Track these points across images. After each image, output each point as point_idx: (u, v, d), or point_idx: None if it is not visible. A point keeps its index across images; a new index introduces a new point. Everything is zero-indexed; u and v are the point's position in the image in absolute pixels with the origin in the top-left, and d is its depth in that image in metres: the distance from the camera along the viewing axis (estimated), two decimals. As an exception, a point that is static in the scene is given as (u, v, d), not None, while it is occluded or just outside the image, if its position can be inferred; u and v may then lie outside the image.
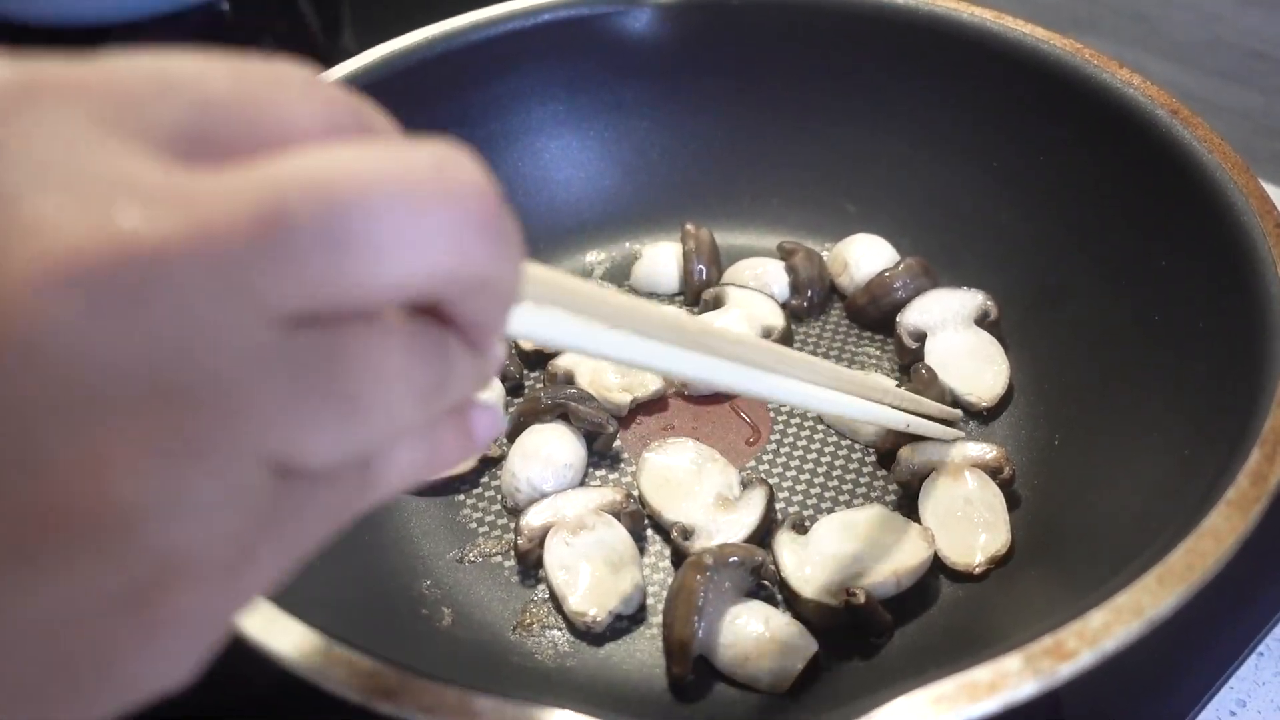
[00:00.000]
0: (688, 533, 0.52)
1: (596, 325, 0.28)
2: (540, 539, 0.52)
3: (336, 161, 0.18)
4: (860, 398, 0.45)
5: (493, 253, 0.20)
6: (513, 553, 0.53)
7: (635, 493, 0.55)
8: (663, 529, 0.54)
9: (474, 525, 0.55)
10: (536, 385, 0.63)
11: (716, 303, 0.65)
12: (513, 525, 0.55)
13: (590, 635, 0.50)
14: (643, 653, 0.49)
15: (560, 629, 0.50)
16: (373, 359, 0.19)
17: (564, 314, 0.26)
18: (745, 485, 0.55)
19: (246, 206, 0.17)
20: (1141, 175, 0.54)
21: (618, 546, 0.52)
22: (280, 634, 0.34)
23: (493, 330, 0.22)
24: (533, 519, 0.52)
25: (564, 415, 0.57)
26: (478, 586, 0.52)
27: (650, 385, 0.61)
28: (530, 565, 0.53)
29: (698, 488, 0.54)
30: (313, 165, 0.18)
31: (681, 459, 0.56)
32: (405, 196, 0.18)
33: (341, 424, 0.19)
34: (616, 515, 0.53)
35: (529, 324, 0.25)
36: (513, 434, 0.58)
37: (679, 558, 0.52)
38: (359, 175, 0.18)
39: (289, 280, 0.17)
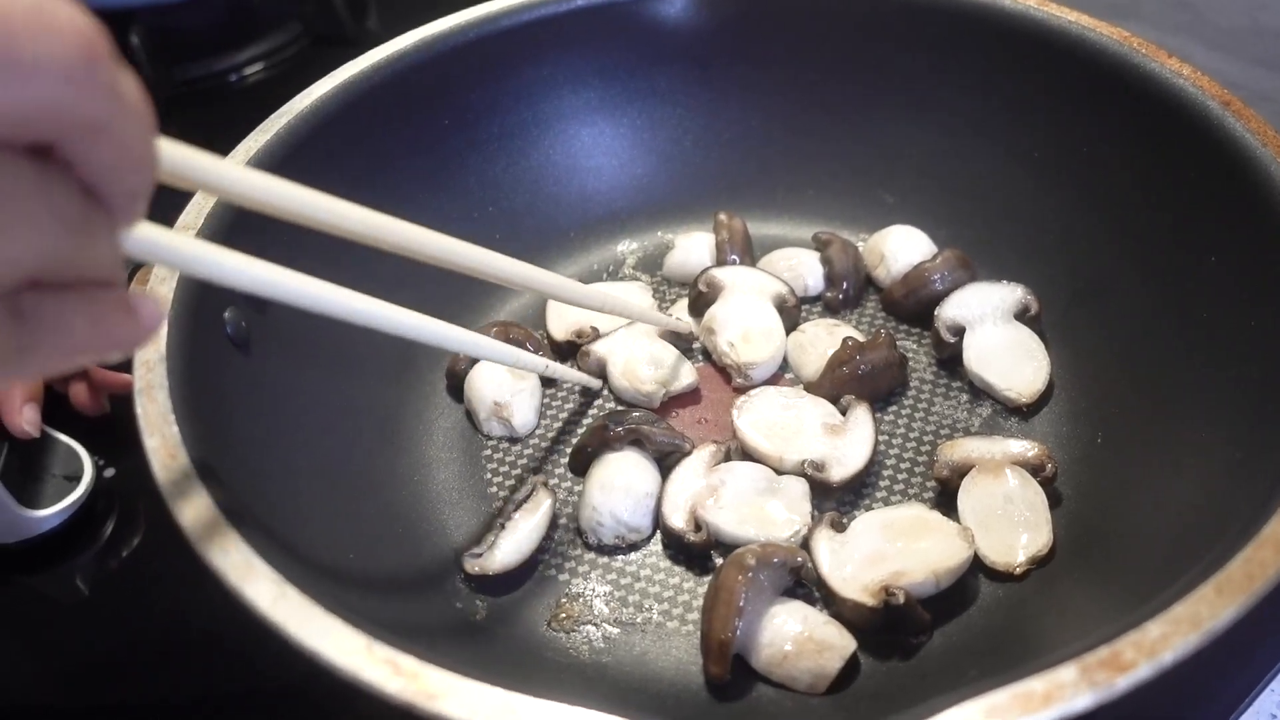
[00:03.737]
0: (819, 465, 0.53)
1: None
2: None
3: None
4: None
5: (99, 96, 0.21)
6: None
7: (735, 444, 0.56)
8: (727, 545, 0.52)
9: (507, 518, 0.55)
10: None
11: (712, 292, 0.63)
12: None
13: (626, 626, 0.49)
14: (678, 650, 0.49)
15: (595, 624, 0.50)
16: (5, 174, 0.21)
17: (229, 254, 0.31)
18: (843, 409, 0.56)
19: None
20: (1190, 168, 0.53)
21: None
22: (320, 633, 0.34)
23: (125, 199, 0.24)
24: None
25: (636, 441, 0.55)
26: (512, 580, 0.52)
27: (684, 379, 0.60)
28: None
29: (802, 424, 0.55)
30: None
31: (771, 405, 0.57)
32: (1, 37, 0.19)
33: None
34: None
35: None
36: (583, 467, 0.56)
37: (821, 490, 0.53)
38: None
39: None
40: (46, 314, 0.24)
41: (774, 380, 0.61)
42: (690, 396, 0.61)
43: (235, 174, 0.31)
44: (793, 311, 0.63)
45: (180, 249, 0.31)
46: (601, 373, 0.61)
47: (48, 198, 0.22)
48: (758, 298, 0.62)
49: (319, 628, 0.34)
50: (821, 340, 0.61)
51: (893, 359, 0.58)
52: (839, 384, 0.57)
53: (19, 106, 0.20)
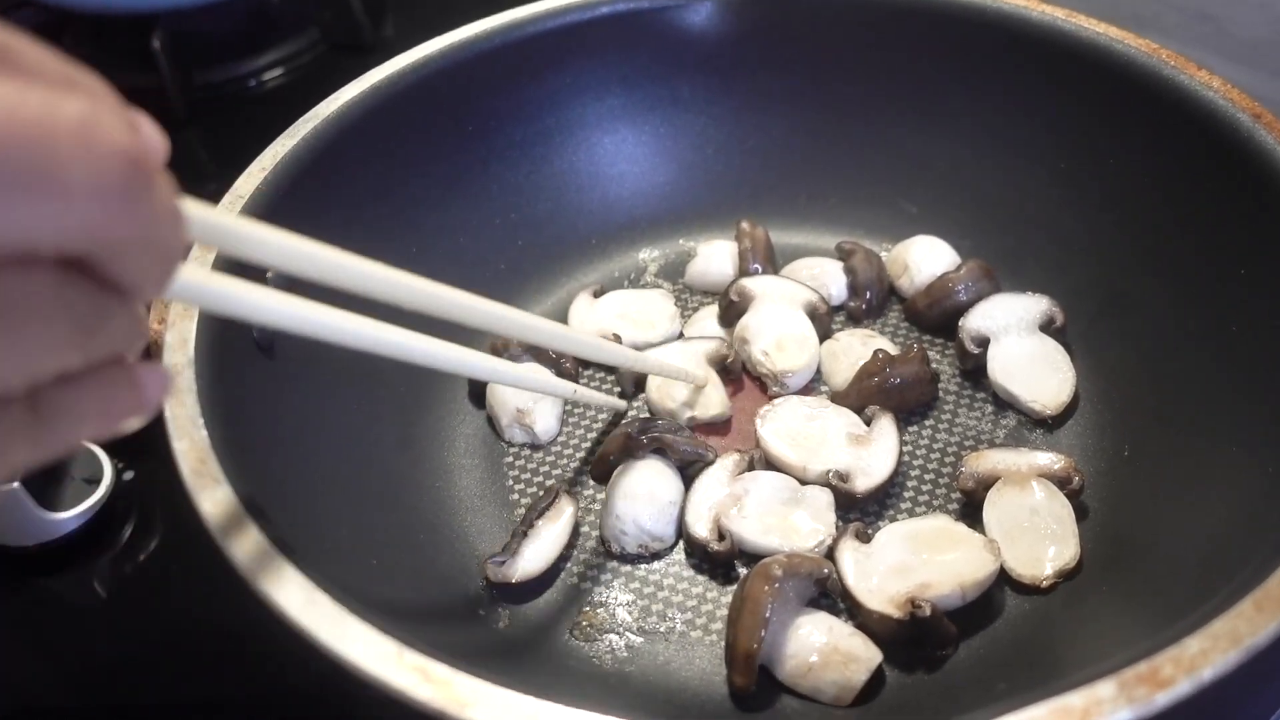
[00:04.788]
0: (844, 476, 0.53)
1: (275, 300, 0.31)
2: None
3: None
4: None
5: (137, 217, 0.21)
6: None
7: (759, 453, 0.56)
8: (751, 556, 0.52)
9: (528, 525, 0.55)
10: (594, 380, 0.62)
11: (744, 301, 0.63)
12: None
13: (650, 635, 0.49)
14: (702, 659, 0.48)
15: (618, 633, 0.50)
16: (22, 297, 0.20)
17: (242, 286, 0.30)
18: (868, 419, 0.56)
19: None
20: (1219, 180, 0.53)
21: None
22: (351, 640, 0.34)
23: (150, 288, 0.23)
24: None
25: (659, 449, 0.55)
26: (535, 588, 0.52)
27: (714, 409, 0.59)
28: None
29: (826, 435, 0.55)
30: None
31: (795, 415, 0.56)
32: (43, 154, 0.18)
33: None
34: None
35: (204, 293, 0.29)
36: (605, 475, 0.55)
37: (845, 501, 0.53)
38: None
39: None
40: (61, 404, 0.23)
41: (806, 390, 0.61)
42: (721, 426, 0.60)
43: (226, 223, 0.29)
44: (824, 319, 0.63)
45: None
46: (640, 384, 0.61)
47: (68, 305, 0.21)
48: (789, 306, 0.62)
49: (349, 634, 0.34)
50: (854, 350, 0.61)
51: (923, 374, 0.57)
52: (866, 395, 0.57)
53: (53, 227, 0.19)
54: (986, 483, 0.53)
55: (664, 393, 0.59)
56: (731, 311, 0.63)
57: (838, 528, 0.51)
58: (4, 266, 0.20)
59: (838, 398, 0.58)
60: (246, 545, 0.36)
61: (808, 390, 0.61)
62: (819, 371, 0.61)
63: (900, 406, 0.57)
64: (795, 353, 0.60)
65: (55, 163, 0.19)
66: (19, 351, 0.21)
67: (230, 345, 0.46)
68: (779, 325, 0.61)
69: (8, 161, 0.18)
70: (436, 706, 0.32)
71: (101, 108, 0.20)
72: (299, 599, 0.35)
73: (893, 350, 0.59)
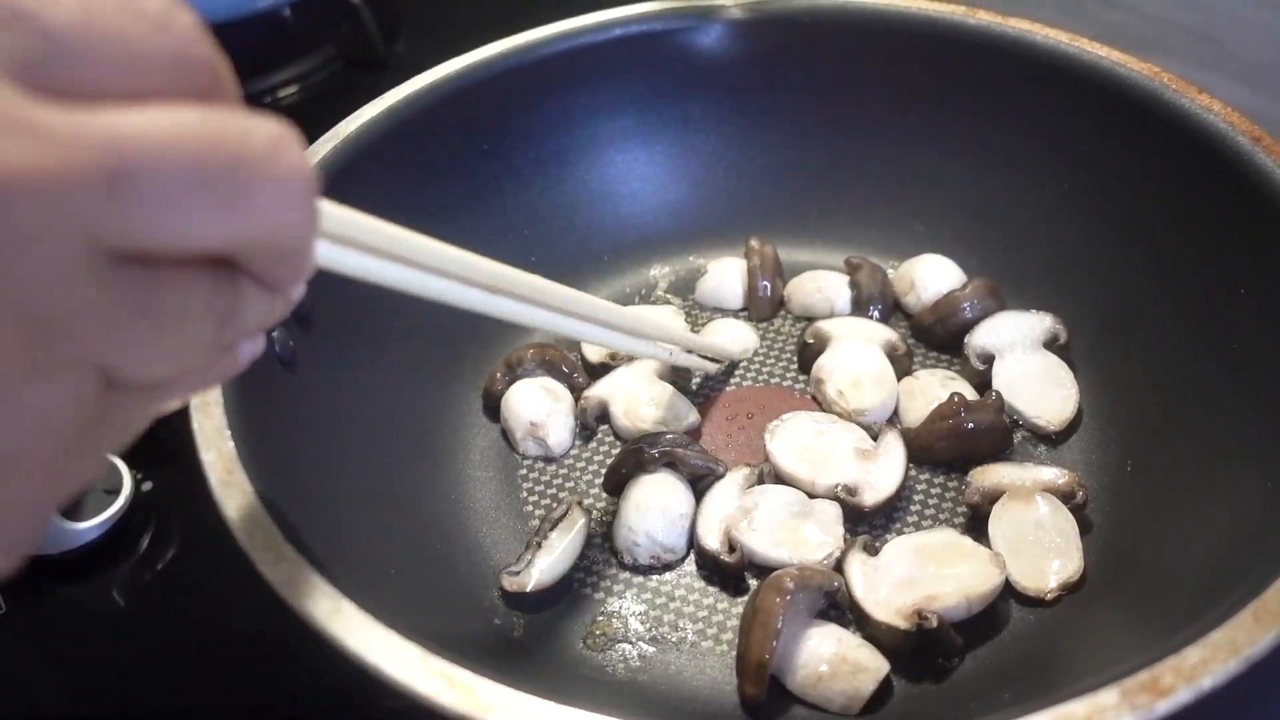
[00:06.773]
0: (852, 490, 0.54)
1: (395, 263, 0.34)
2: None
3: (181, 125, 0.20)
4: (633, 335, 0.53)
5: (302, 232, 0.23)
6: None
7: (768, 467, 0.57)
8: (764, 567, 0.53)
9: (542, 536, 0.56)
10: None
11: (820, 343, 0.63)
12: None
13: (661, 645, 0.50)
14: (713, 669, 0.49)
15: (630, 643, 0.51)
16: (184, 296, 0.22)
17: (363, 254, 0.31)
18: (875, 435, 0.57)
19: (95, 153, 0.19)
20: (1220, 201, 0.54)
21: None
22: (377, 647, 0.35)
23: (290, 284, 0.25)
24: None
25: (670, 464, 0.56)
26: (548, 598, 0.53)
27: (686, 419, 0.60)
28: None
29: (833, 450, 0.56)
30: (159, 124, 0.19)
31: (803, 429, 0.57)
32: (238, 171, 0.20)
33: (159, 347, 0.22)
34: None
35: (332, 259, 0.30)
36: (617, 488, 0.56)
37: (853, 514, 0.54)
38: (199, 142, 0.20)
39: (122, 224, 0.19)
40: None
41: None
42: (691, 435, 0.61)
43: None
44: (903, 360, 0.62)
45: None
46: (602, 415, 0.62)
47: (217, 302, 0.23)
48: (866, 345, 0.62)
49: (376, 641, 0.35)
50: (932, 390, 0.60)
51: (998, 424, 0.56)
52: (936, 436, 0.56)
53: (231, 233, 0.21)
54: (992, 497, 0.54)
55: (632, 416, 0.60)
56: (808, 354, 0.63)
57: (846, 541, 0.52)
58: (170, 266, 0.21)
59: (909, 437, 0.57)
60: (273, 553, 0.37)
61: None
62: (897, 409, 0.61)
63: (970, 453, 0.56)
64: (872, 391, 0.60)
65: (247, 179, 0.21)
66: (171, 350, 0.22)
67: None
68: (855, 364, 0.61)
69: (209, 173, 0.20)
70: (460, 711, 0.33)
71: (286, 133, 0.22)
72: (326, 607, 0.36)
73: (971, 395, 0.59)
